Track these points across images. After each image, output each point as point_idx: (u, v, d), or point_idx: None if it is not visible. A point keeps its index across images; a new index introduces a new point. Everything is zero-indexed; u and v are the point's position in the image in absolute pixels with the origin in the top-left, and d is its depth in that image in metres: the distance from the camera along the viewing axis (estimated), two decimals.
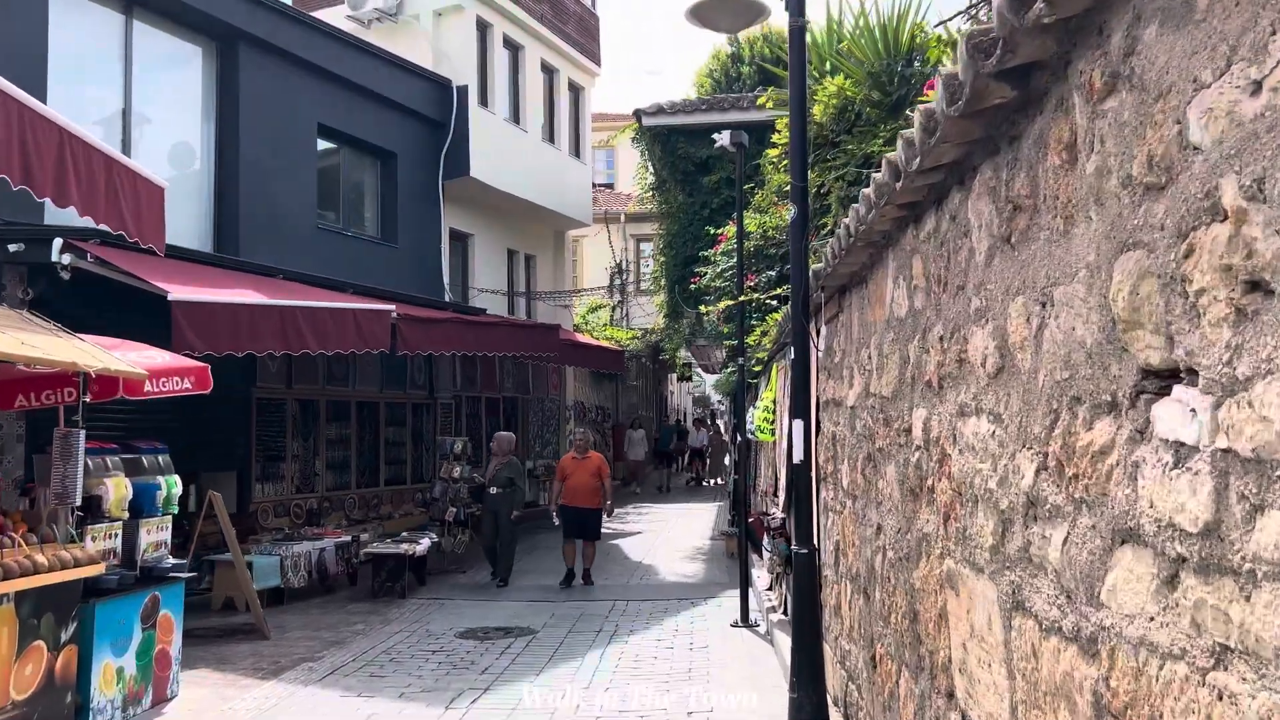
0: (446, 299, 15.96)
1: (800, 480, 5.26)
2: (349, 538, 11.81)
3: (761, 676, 7.42)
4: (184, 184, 12.33)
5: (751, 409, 11.01)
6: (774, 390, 9.73)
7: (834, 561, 5.77)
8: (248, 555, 10.63)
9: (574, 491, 11.85)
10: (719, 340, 15.92)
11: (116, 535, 6.56)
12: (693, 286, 13.18)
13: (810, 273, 5.40)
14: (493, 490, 12.31)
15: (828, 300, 5.60)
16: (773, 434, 9.61)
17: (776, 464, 9.73)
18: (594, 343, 20.33)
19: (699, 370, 21.84)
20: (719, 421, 31.02)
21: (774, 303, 10.14)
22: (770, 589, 10.37)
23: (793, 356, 5.30)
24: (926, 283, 3.33)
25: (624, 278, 29.46)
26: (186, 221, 12.12)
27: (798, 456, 5.27)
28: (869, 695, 4.57)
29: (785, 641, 8.10)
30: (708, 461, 28.07)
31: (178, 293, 9.00)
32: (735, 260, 10.32)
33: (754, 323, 10.43)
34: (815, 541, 5.33)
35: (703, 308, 15.50)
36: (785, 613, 8.96)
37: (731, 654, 8.27)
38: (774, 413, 9.65)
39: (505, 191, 17.36)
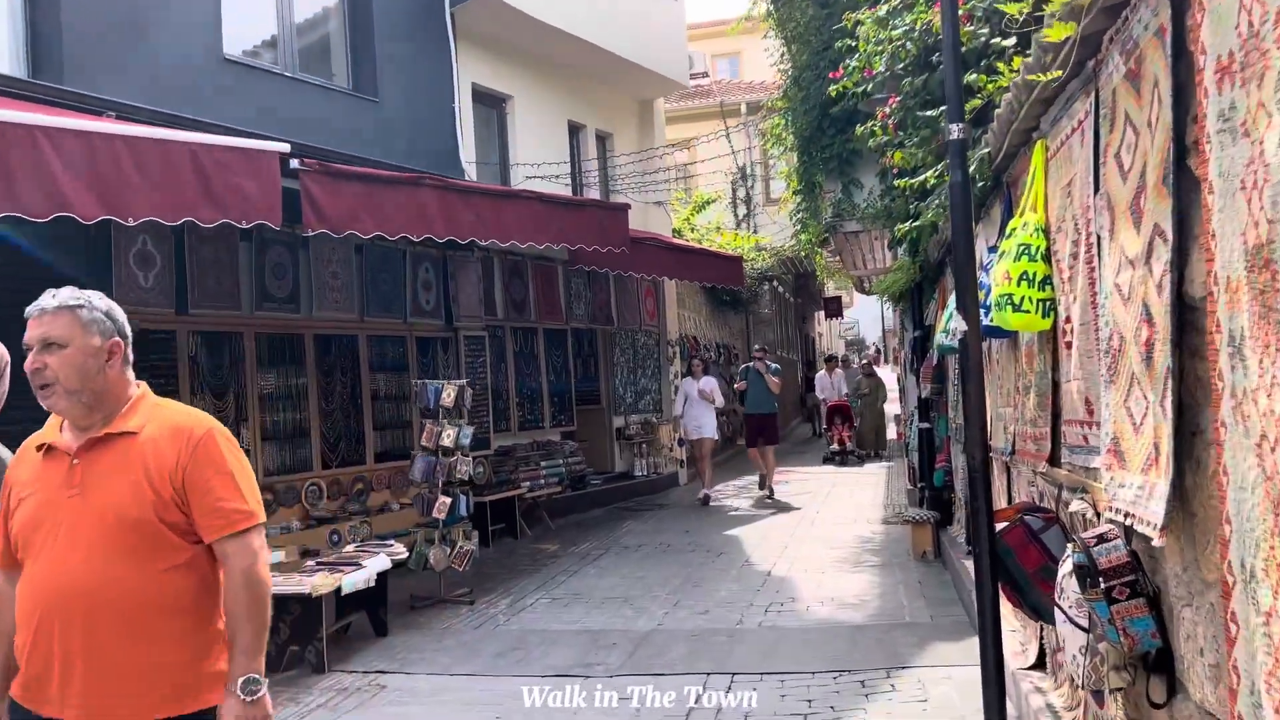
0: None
1: None
2: None
3: None
4: None
5: (983, 275, 5.19)
6: (1040, 208, 3.98)
7: None
8: None
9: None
10: (885, 220, 9.81)
11: None
12: (832, 92, 7.44)
13: None
14: None
15: None
16: (1045, 310, 3.87)
17: (1075, 365, 3.95)
18: (696, 246, 14.64)
19: (840, 269, 15.28)
20: (872, 360, 23.97)
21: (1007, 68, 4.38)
22: (1037, 667, 4.66)
23: None
24: None
25: (749, 186, 23.63)
26: None
27: None
28: None
29: None
30: (855, 422, 17.39)
31: None
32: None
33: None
34: None
35: (861, 134, 9.67)
36: None
37: None
38: (1043, 259, 3.90)
39: (550, 25, 11.84)
